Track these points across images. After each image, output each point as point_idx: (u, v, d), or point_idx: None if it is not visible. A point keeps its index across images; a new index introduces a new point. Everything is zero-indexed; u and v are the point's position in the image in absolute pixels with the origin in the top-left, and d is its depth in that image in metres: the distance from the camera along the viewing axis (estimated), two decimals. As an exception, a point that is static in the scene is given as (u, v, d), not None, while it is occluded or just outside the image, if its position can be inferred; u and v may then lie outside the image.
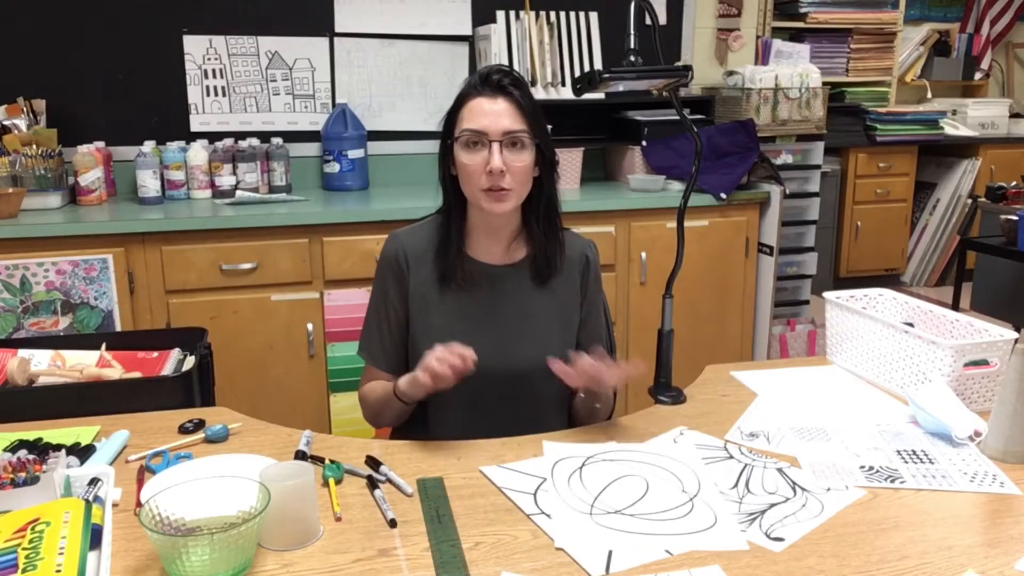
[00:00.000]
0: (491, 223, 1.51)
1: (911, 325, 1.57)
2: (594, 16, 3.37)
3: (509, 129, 1.42)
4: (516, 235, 1.54)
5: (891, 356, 1.55)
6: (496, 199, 1.44)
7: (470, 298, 1.53)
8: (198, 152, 2.99)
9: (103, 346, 1.70)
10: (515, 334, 1.52)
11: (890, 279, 4.73)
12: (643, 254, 3.00)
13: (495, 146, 1.41)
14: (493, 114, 1.42)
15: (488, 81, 1.45)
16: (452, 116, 1.48)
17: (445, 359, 1.31)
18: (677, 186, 3.14)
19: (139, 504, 1.13)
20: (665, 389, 1.56)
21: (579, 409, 1.59)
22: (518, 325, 1.53)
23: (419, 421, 1.57)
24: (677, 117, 1.83)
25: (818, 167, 3.83)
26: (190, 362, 1.66)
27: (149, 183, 2.89)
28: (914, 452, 1.32)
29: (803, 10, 4.03)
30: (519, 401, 1.52)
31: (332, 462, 1.24)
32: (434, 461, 1.29)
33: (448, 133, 1.48)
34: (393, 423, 1.58)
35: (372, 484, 1.20)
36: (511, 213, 1.49)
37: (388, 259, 1.56)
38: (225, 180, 3.03)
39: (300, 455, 1.28)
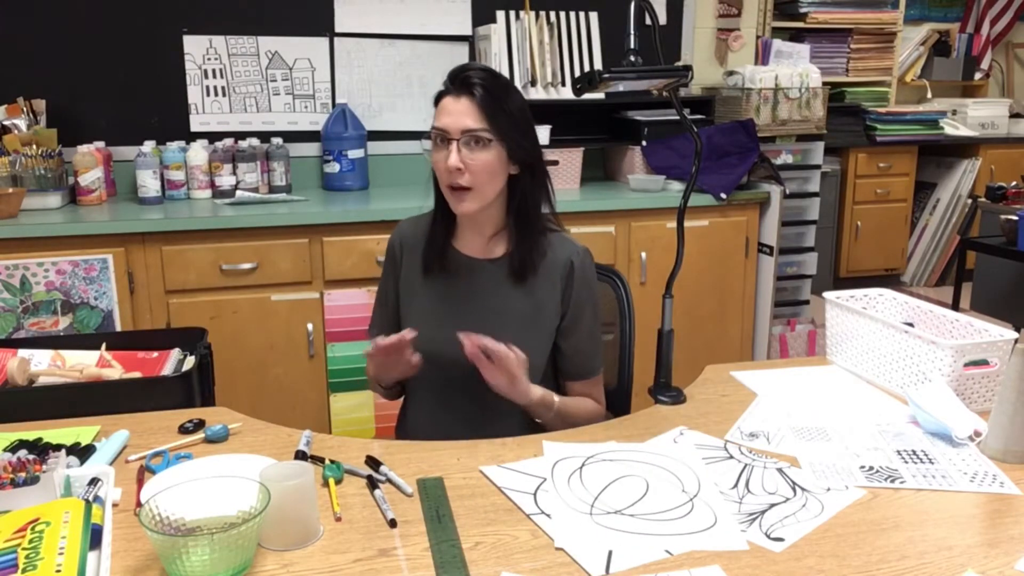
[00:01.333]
0: (469, 218, 1.54)
1: (911, 325, 1.57)
2: (594, 16, 3.37)
3: (468, 128, 1.44)
4: (498, 231, 1.57)
5: (891, 356, 1.55)
6: (457, 199, 1.48)
7: (449, 287, 1.58)
8: (198, 152, 2.99)
9: (103, 346, 1.70)
10: (486, 327, 1.52)
11: (890, 279, 4.73)
12: (643, 254, 3.00)
13: (454, 144, 1.44)
14: (455, 112, 1.45)
15: (456, 79, 1.47)
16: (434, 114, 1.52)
17: (380, 344, 1.42)
18: (677, 186, 3.14)
19: (139, 504, 1.13)
20: (665, 389, 1.56)
21: (551, 424, 1.57)
22: (490, 318, 1.54)
23: (399, 412, 1.64)
24: (677, 117, 1.83)
25: (818, 167, 3.83)
26: (190, 362, 1.66)
27: (149, 183, 2.89)
28: (914, 452, 1.32)
29: (803, 10, 4.03)
30: (487, 392, 1.51)
31: (332, 462, 1.24)
32: (434, 461, 1.29)
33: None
34: (390, 396, 1.69)
35: (372, 484, 1.20)
36: (489, 209, 1.52)
37: (390, 246, 1.66)
38: (225, 180, 3.03)
39: (300, 455, 1.28)
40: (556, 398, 1.53)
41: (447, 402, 1.57)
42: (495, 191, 1.50)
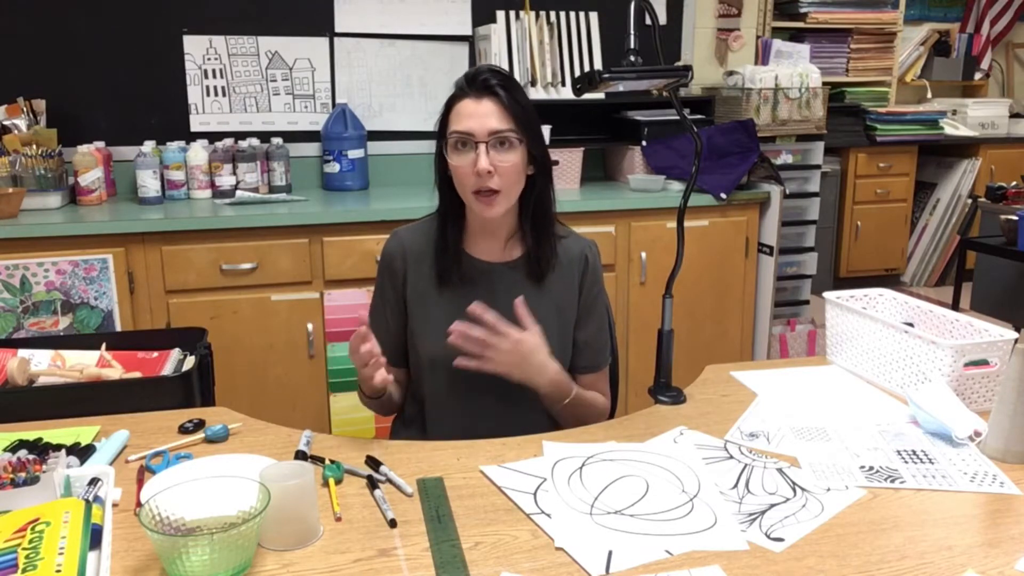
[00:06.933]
0: (486, 222, 1.52)
1: (911, 325, 1.57)
2: (594, 16, 3.37)
3: (495, 129, 1.42)
4: (513, 233, 1.55)
5: (891, 356, 1.55)
6: (486, 203, 1.44)
7: (467, 295, 1.53)
8: (198, 152, 2.99)
9: (103, 346, 1.70)
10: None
11: (890, 279, 4.73)
12: (643, 254, 3.00)
13: (482, 147, 1.41)
14: (479, 115, 1.42)
15: (475, 82, 1.45)
16: (444, 118, 1.48)
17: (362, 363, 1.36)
18: (677, 186, 3.15)
19: (139, 504, 1.13)
20: (665, 389, 1.56)
21: (563, 414, 1.57)
22: (513, 322, 1.53)
23: (415, 421, 1.58)
24: (677, 117, 1.84)
25: (818, 167, 3.83)
26: (190, 362, 1.66)
27: (149, 183, 2.89)
28: (914, 452, 1.32)
29: (803, 10, 4.03)
30: (513, 398, 1.52)
31: (332, 462, 1.24)
32: (434, 461, 1.29)
33: (441, 135, 1.48)
34: (382, 411, 1.62)
35: (372, 484, 1.20)
36: (506, 212, 1.50)
37: (388, 257, 1.58)
38: (225, 180, 3.03)
39: (300, 455, 1.28)
40: (574, 388, 1.52)
41: (474, 411, 1.54)
42: (519, 192, 1.49)
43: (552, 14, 3.30)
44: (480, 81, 1.44)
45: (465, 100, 1.44)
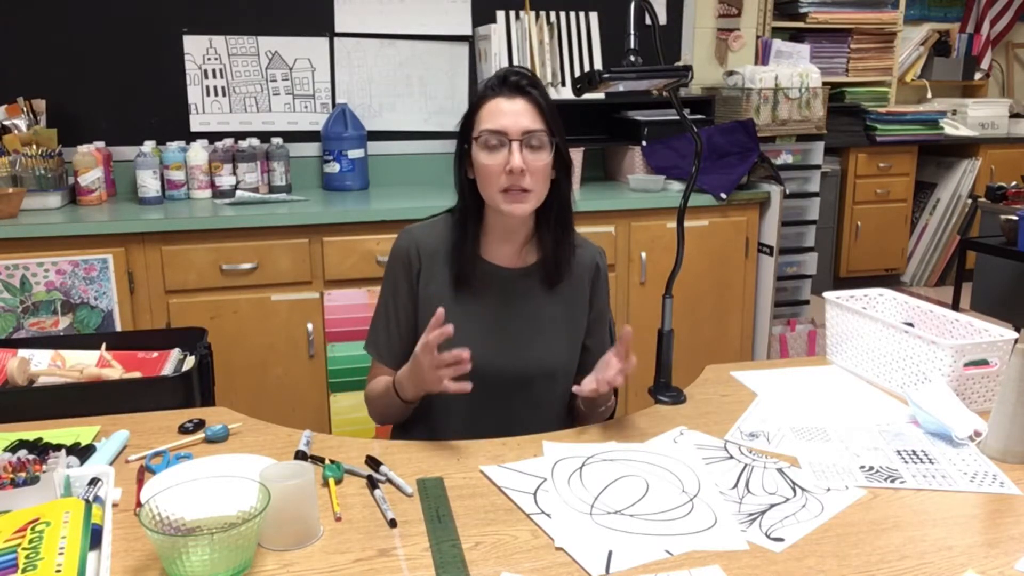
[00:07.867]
0: (507, 226, 1.50)
1: (911, 325, 1.57)
2: (594, 16, 3.37)
3: (529, 128, 1.41)
4: (529, 238, 1.53)
5: (891, 356, 1.55)
6: (515, 200, 1.43)
7: (481, 300, 1.52)
8: (198, 152, 2.99)
9: (103, 346, 1.70)
10: (523, 337, 1.52)
11: (890, 279, 4.73)
12: (643, 254, 3.00)
13: (515, 145, 1.40)
14: (512, 114, 1.42)
15: (506, 82, 1.44)
16: (469, 118, 1.47)
17: (440, 365, 1.31)
18: (677, 186, 3.14)
19: (139, 504, 1.13)
20: (665, 389, 1.56)
21: (581, 412, 1.59)
22: (526, 329, 1.53)
23: (421, 422, 1.57)
24: (677, 117, 1.83)
25: (818, 167, 3.83)
26: (190, 362, 1.66)
27: (149, 183, 2.89)
28: (914, 452, 1.32)
29: (803, 10, 4.03)
30: (522, 403, 1.52)
31: (332, 462, 1.24)
32: (434, 461, 1.29)
33: (465, 135, 1.47)
34: (396, 420, 1.58)
35: (372, 484, 1.20)
36: (527, 215, 1.48)
37: (400, 254, 1.54)
38: (225, 180, 3.03)
39: (300, 455, 1.28)
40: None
41: (482, 420, 1.52)
42: (545, 194, 1.47)
43: (552, 14, 3.30)
44: (512, 81, 1.44)
45: (497, 99, 1.43)
